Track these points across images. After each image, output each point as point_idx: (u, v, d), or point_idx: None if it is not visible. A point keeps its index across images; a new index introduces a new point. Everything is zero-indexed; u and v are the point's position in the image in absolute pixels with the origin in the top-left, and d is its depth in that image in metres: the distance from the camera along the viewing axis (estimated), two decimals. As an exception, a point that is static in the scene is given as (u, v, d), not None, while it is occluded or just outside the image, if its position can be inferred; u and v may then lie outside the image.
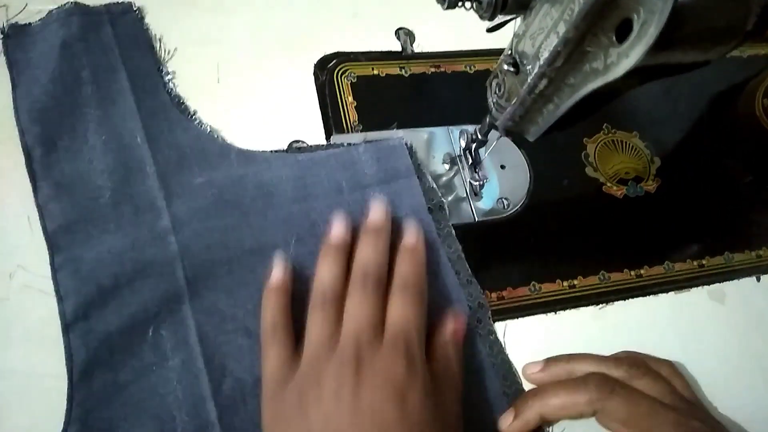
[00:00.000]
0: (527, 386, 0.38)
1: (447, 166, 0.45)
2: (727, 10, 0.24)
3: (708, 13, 0.24)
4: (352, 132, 0.45)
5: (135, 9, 0.46)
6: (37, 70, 0.41)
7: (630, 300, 0.43)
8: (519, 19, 0.32)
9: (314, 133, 0.45)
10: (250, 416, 0.34)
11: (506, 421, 0.35)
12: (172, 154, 0.40)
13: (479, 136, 0.41)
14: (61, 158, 0.39)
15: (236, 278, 0.37)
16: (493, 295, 0.41)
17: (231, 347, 0.35)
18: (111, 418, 0.33)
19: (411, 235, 0.38)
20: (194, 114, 0.43)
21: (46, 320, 0.35)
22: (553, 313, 0.42)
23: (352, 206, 0.40)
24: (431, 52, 0.51)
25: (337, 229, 0.37)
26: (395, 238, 0.38)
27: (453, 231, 0.41)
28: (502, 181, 0.46)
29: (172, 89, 0.43)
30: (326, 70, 0.47)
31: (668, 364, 0.39)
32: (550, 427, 0.37)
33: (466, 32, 0.50)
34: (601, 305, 0.43)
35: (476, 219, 0.44)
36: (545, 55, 0.29)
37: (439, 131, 0.46)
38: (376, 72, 0.48)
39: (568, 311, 0.42)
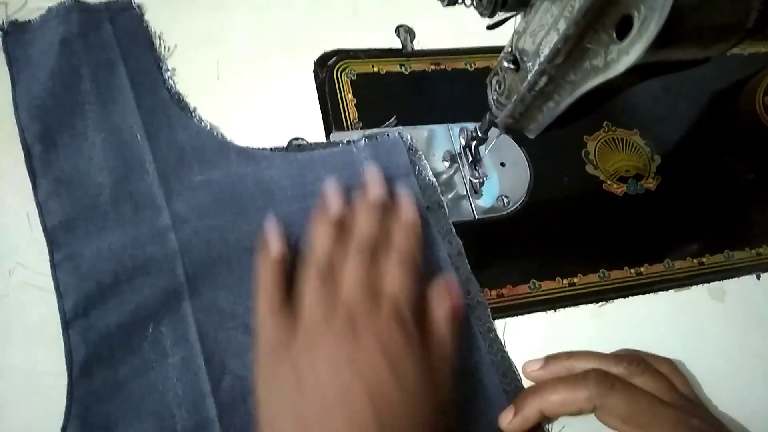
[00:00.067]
0: (527, 384, 0.38)
1: (447, 164, 0.45)
2: (727, 7, 0.24)
3: (708, 10, 0.23)
4: (352, 129, 0.45)
5: (135, 6, 0.46)
6: (37, 67, 0.41)
7: (630, 298, 0.43)
8: (519, 16, 0.32)
9: (314, 131, 0.45)
10: (250, 413, 0.33)
11: (506, 417, 0.36)
12: (171, 151, 0.40)
13: (479, 134, 0.41)
14: (60, 155, 0.39)
15: (236, 275, 0.37)
16: (493, 292, 0.41)
17: (231, 344, 0.35)
18: (110, 414, 0.33)
19: (407, 207, 0.38)
20: (194, 111, 0.43)
21: (46, 317, 0.35)
22: (553, 310, 0.42)
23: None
24: (431, 50, 0.51)
25: (331, 199, 0.38)
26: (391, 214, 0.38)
27: (453, 228, 0.41)
28: (502, 179, 0.45)
29: (171, 86, 0.43)
30: (326, 67, 0.47)
31: (668, 361, 0.39)
32: (550, 424, 0.37)
33: (466, 29, 0.50)
34: (601, 303, 0.43)
35: (476, 217, 0.44)
36: (545, 52, 0.29)
37: (439, 129, 0.46)
38: (376, 69, 0.48)
39: (567, 309, 0.42)
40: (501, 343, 0.39)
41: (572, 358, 0.38)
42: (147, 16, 0.46)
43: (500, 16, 0.31)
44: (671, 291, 0.44)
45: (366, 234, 0.36)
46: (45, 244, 0.36)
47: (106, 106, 0.41)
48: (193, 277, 0.37)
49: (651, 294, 0.44)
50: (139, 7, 0.46)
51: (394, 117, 0.45)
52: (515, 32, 0.32)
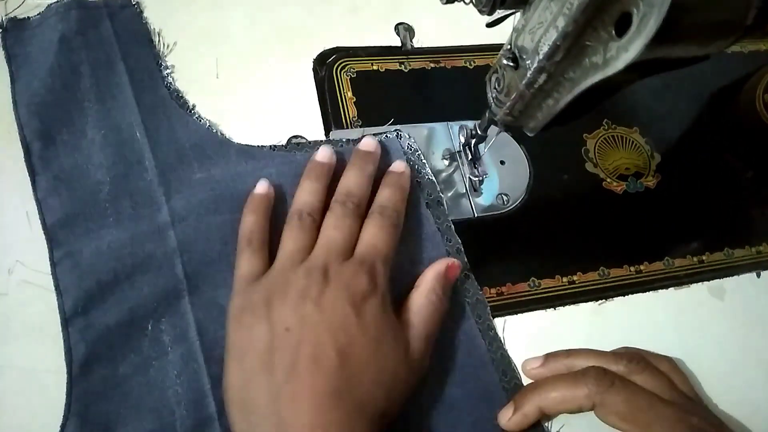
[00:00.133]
0: (526, 382, 0.38)
1: (446, 162, 0.45)
2: (727, 4, 0.24)
3: (708, 7, 0.23)
4: (351, 128, 0.45)
5: (134, 3, 0.46)
6: (36, 64, 0.41)
7: (630, 296, 0.43)
8: (518, 14, 0.32)
9: (313, 129, 0.45)
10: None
11: (506, 415, 0.36)
12: (171, 148, 0.40)
13: (479, 132, 0.41)
14: (59, 153, 0.39)
15: (235, 273, 0.37)
16: (493, 290, 0.41)
17: (230, 342, 0.35)
18: (110, 412, 0.33)
19: (398, 163, 0.40)
20: (193, 108, 0.43)
21: (45, 315, 0.35)
22: (553, 309, 0.42)
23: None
24: (431, 48, 0.51)
25: (323, 152, 0.39)
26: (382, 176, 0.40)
27: (452, 225, 0.41)
28: (501, 177, 0.45)
29: (171, 84, 0.43)
30: (325, 65, 0.47)
31: (668, 359, 0.39)
32: (550, 422, 0.37)
33: (465, 27, 0.50)
34: (600, 301, 0.43)
35: (476, 215, 0.44)
36: (544, 49, 0.29)
37: (438, 127, 0.46)
38: (375, 67, 0.48)
39: (567, 307, 0.42)
40: (500, 341, 0.39)
41: (572, 356, 0.38)
42: (146, 14, 0.46)
43: (499, 13, 0.31)
44: (671, 289, 0.44)
45: (351, 186, 0.37)
46: (44, 241, 0.36)
47: (106, 104, 0.41)
48: (192, 274, 0.37)
49: (651, 292, 0.44)
50: (138, 4, 0.46)
51: (392, 120, 0.44)
52: (514, 30, 0.32)
